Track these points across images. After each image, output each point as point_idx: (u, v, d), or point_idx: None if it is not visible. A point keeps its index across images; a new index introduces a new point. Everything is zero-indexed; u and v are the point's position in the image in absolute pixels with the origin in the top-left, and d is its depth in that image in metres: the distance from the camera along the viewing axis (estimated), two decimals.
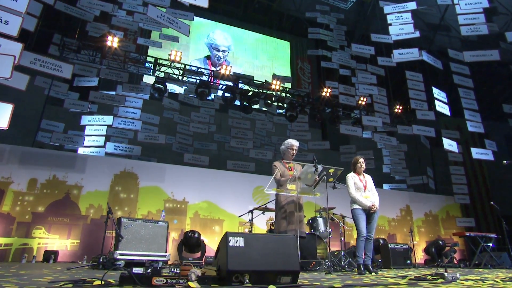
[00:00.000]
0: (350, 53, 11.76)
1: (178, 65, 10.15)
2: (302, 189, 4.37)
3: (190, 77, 10.34)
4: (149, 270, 2.42)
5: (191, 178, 9.16)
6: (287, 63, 15.11)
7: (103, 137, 9.34)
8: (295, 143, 4.70)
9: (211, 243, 8.54)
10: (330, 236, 6.16)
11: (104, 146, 9.24)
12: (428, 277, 3.20)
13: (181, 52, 9.60)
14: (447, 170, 11.08)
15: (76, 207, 7.83)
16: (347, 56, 11.85)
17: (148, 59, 9.79)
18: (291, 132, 11.67)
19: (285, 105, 10.92)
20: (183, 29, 7.91)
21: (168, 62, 9.87)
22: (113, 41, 8.61)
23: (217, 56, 13.78)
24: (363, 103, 10.92)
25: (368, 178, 4.77)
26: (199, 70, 10.23)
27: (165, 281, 2.35)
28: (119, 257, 4.53)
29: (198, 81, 10.17)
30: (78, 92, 9.46)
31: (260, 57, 14.76)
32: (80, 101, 9.18)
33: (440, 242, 8.29)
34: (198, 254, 6.66)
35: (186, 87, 11.31)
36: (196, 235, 6.47)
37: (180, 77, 10.14)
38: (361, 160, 4.75)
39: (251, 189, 9.54)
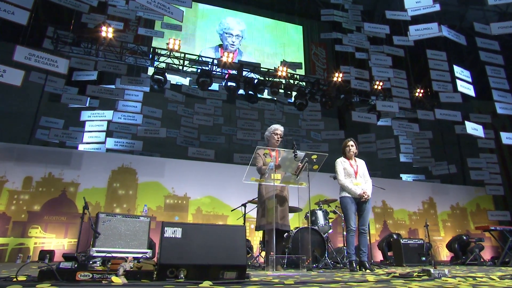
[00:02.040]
0: (367, 34, 11.28)
1: (178, 54, 10.08)
2: (285, 178, 4.14)
3: (191, 67, 10.23)
4: (76, 265, 2.30)
5: (193, 172, 9.09)
6: (300, 49, 14.74)
7: (104, 133, 9.45)
8: (279, 127, 4.47)
9: None
10: (330, 231, 5.90)
11: (104, 142, 9.35)
12: (415, 273, 2.93)
13: (179, 41, 9.51)
14: (477, 158, 10.42)
15: (72, 205, 7.95)
16: (364, 38, 11.35)
17: (146, 49, 9.75)
18: (303, 121, 11.36)
19: (294, 93, 10.61)
20: (176, 15, 7.77)
21: (167, 51, 9.80)
22: (107, 32, 8.62)
23: (230, 42, 13.61)
24: (379, 87, 10.41)
25: (360, 163, 4.47)
26: (200, 59, 10.09)
27: (90, 276, 2.22)
28: (95, 254, 4.48)
29: (199, 70, 10.04)
30: (78, 86, 9.60)
31: (270, 44, 14.47)
32: (78, 95, 9.31)
33: (464, 237, 7.78)
34: None
35: (191, 78, 11.25)
36: None
37: (180, 67, 10.04)
38: (350, 143, 4.46)
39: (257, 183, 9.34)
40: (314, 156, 3.92)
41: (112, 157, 8.82)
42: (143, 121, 9.95)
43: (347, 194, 4.25)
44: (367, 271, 3.89)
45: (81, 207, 7.98)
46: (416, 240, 6.71)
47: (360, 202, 4.20)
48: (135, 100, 9.76)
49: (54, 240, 7.56)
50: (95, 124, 9.44)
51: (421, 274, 2.81)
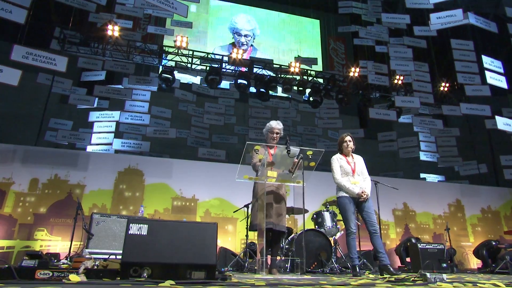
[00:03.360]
0: (386, 26, 10.98)
1: (186, 52, 10.15)
2: (281, 176, 4.03)
3: (200, 65, 10.27)
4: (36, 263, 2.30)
5: (202, 173, 9.10)
6: (317, 44, 14.54)
7: (112, 134, 9.62)
8: (276, 125, 4.37)
9: (225, 243, 8.40)
10: (339, 234, 5.74)
11: (111, 144, 9.51)
12: (411, 278, 2.77)
13: (187, 38, 9.57)
14: None
15: (79, 207, 8.09)
16: (384, 30, 11.05)
17: (152, 47, 9.86)
18: (320, 120, 11.18)
19: (307, 90, 10.46)
20: (180, 10, 7.87)
21: (174, 49, 9.88)
22: (113, 30, 8.79)
23: (239, 42, 13.63)
24: (400, 82, 10.09)
25: (358, 160, 4.30)
26: (209, 56, 10.12)
27: (50, 274, 2.21)
28: (88, 255, 4.53)
29: (207, 68, 10.08)
30: (87, 87, 9.82)
31: (286, 40, 14.36)
32: (87, 96, 9.52)
33: (493, 243, 7.38)
34: None
35: (202, 77, 11.30)
36: None
37: (189, 65, 10.10)
38: (348, 138, 4.30)
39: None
40: (309, 152, 3.80)
41: (119, 158, 8.96)
42: (152, 121, 10.08)
43: (344, 194, 4.10)
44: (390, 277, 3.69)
45: (87, 209, 8.20)
46: (436, 245, 6.40)
47: (358, 202, 4.04)
48: (143, 100, 9.90)
49: (60, 243, 7.73)
50: (103, 125, 9.63)
51: (417, 279, 2.65)
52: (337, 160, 4.29)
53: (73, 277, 2.10)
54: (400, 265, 7.41)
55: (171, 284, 1.99)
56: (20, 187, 7.80)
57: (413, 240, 6.96)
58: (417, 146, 10.23)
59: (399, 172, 10.59)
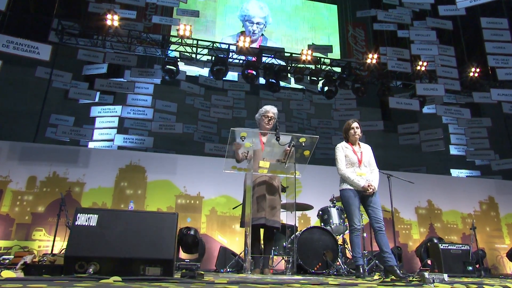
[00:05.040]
0: (409, 7, 10.53)
1: (190, 42, 10.04)
2: (272, 166, 3.81)
3: (206, 55, 10.14)
4: None
5: (207, 169, 8.95)
6: (334, 31, 14.16)
7: (115, 130, 9.63)
8: (270, 108, 4.15)
9: (232, 243, 8.25)
10: (347, 232, 5.46)
11: (113, 140, 9.51)
12: (410, 278, 2.51)
13: (190, 26, 9.45)
14: None
15: (78, 206, 8.12)
16: (407, 12, 10.60)
17: (154, 37, 9.80)
18: (335, 112, 10.86)
19: (320, 79, 10.16)
20: None
21: (178, 39, 9.79)
22: (113, 20, 8.76)
23: (251, 30, 13.41)
24: (423, 68, 9.64)
25: (365, 149, 4.03)
26: (214, 46, 9.98)
27: None
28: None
29: (213, 58, 9.94)
30: (90, 81, 9.86)
31: (300, 28, 14.05)
32: (88, 90, 9.55)
33: None
34: (196, 255, 6.42)
35: (209, 68, 11.17)
36: (192, 233, 6.24)
37: (193, 55, 9.99)
38: (355, 124, 4.02)
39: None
40: (302, 139, 3.57)
41: (120, 154, 8.95)
42: (157, 116, 10.04)
43: (348, 187, 3.85)
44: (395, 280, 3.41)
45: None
46: (460, 246, 6.04)
47: (363, 196, 3.78)
48: (146, 94, 9.86)
49: (59, 243, 7.75)
50: (105, 120, 9.65)
51: (414, 279, 2.39)
52: (342, 149, 4.05)
53: (6, 273, 1.96)
54: (421, 268, 7.05)
55: (115, 281, 1.83)
56: (17, 185, 7.87)
57: (435, 240, 6.60)
58: (441, 138, 9.75)
59: (422, 167, 10.13)
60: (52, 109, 9.80)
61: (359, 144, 4.08)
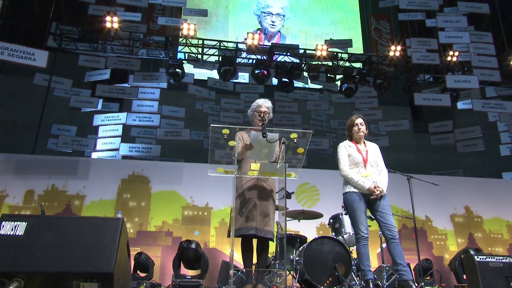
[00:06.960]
0: None
1: (195, 42, 9.94)
2: (263, 167, 3.55)
3: (212, 55, 10.01)
4: None
5: (215, 178, 8.68)
6: (356, 25, 13.79)
7: (119, 138, 9.58)
8: (264, 102, 3.93)
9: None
10: None
11: (118, 149, 9.47)
12: None
13: (194, 25, 9.34)
14: None
15: None
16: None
17: (158, 39, 9.75)
18: (356, 112, 10.44)
19: (338, 77, 9.83)
20: None
21: (182, 39, 9.71)
22: (112, 22, 8.77)
23: (270, 22, 13.20)
24: (454, 58, 9.13)
25: (371, 148, 3.74)
26: (221, 45, 9.83)
27: None
28: None
29: (220, 58, 9.79)
30: (92, 88, 9.90)
31: (319, 24, 13.75)
32: (90, 97, 9.58)
33: None
34: (199, 271, 6.18)
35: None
36: (193, 246, 6.00)
37: (199, 56, 9.89)
38: (359, 120, 3.76)
39: (294, 188, 8.69)
40: (294, 135, 3.29)
41: (122, 164, 8.88)
42: (164, 122, 9.96)
43: (352, 189, 3.56)
44: None
45: None
46: (501, 258, 5.49)
47: (370, 200, 3.46)
48: (151, 99, 9.80)
49: None
50: (109, 129, 9.63)
51: None
52: (345, 148, 3.80)
53: None
54: (456, 284, 6.54)
55: None
56: (14, 200, 7.89)
57: (471, 251, 6.09)
58: (480, 137, 9.15)
59: (458, 170, 9.55)
60: (57, 119, 9.88)
61: (364, 142, 3.80)
